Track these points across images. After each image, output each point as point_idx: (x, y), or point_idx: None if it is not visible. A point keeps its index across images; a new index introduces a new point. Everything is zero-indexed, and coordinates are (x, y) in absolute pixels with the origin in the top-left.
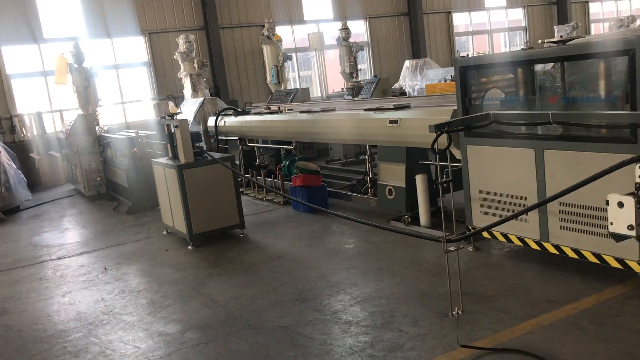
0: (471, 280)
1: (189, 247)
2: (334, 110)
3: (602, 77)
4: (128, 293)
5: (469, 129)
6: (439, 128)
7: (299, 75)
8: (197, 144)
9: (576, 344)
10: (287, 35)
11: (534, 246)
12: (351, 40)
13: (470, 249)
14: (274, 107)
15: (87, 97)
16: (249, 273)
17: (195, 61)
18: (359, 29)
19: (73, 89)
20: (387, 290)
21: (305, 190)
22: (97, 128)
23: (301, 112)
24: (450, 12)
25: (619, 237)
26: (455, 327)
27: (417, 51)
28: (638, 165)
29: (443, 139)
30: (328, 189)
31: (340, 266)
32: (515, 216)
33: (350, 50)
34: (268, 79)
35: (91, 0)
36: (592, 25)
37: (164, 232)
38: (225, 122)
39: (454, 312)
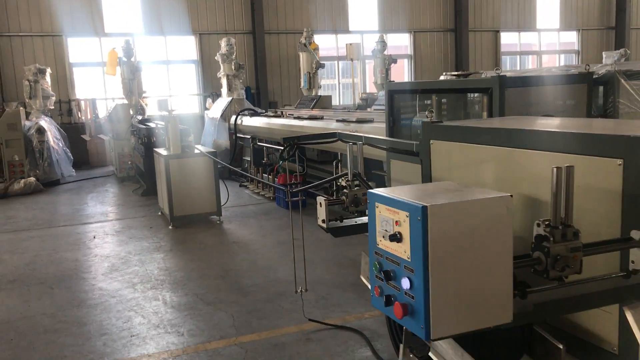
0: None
1: (169, 227)
2: (322, 118)
3: (467, 108)
4: (99, 257)
5: (316, 143)
6: (287, 140)
7: (339, 82)
8: (188, 139)
9: None
10: (332, 43)
11: None
12: (397, 52)
13: None
14: (279, 112)
15: (131, 88)
16: (201, 251)
17: (233, 63)
18: (404, 42)
19: (121, 80)
20: (298, 274)
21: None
22: (132, 117)
23: (294, 117)
24: (498, 31)
25: (327, 229)
26: (306, 304)
27: (460, 67)
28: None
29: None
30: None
31: (276, 255)
32: None
33: (383, 62)
34: (301, 84)
35: (149, 0)
36: None
37: (159, 213)
38: (242, 121)
39: (298, 291)
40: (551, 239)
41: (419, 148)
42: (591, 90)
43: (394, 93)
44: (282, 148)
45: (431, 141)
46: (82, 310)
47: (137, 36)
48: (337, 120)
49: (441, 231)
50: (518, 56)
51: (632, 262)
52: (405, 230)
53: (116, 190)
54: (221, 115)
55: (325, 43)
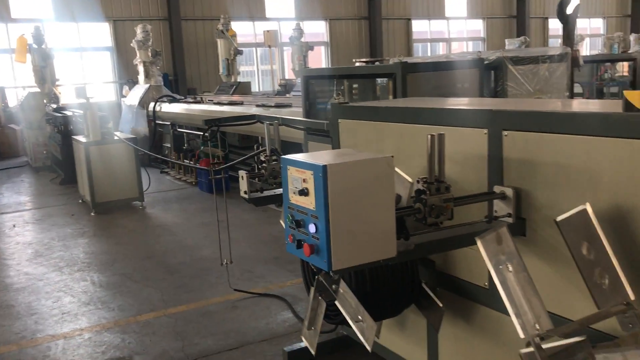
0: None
1: (92, 214)
2: (241, 104)
3: (375, 91)
4: (22, 245)
5: (237, 125)
6: (208, 123)
7: (258, 69)
8: (107, 126)
9: None
10: (249, 30)
11: None
12: (314, 40)
13: None
14: (198, 98)
15: (43, 76)
16: (125, 235)
17: (150, 50)
18: (321, 29)
19: (32, 68)
20: (223, 250)
21: (207, 172)
22: (46, 105)
23: (214, 103)
24: (410, 19)
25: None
26: (232, 277)
27: (374, 54)
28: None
29: None
30: (230, 173)
31: (200, 235)
32: None
33: (301, 49)
34: (220, 70)
35: None
36: (550, 41)
37: (80, 201)
38: (161, 108)
39: (223, 263)
40: (428, 192)
41: (329, 127)
42: (483, 75)
43: (309, 79)
44: (204, 132)
45: (339, 120)
46: (8, 294)
47: (47, 22)
48: (257, 105)
49: (338, 185)
50: (429, 43)
51: (496, 211)
52: (310, 186)
53: (32, 180)
54: (139, 103)
55: (243, 30)
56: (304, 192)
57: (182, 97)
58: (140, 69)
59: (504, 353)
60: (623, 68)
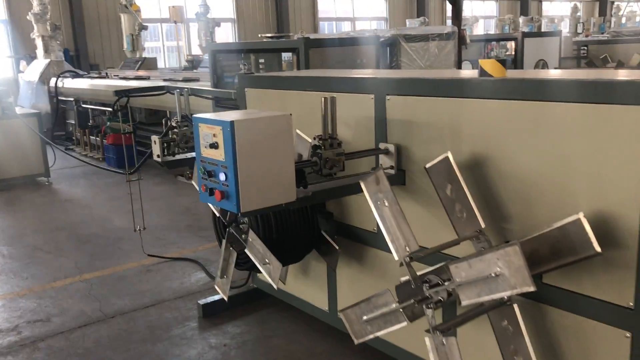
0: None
1: None
2: (148, 79)
3: (281, 66)
4: None
5: (146, 96)
6: (118, 94)
7: (164, 45)
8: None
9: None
10: (154, 5)
11: None
12: (221, 16)
13: None
14: (103, 73)
15: None
16: (33, 210)
17: (48, 23)
18: (228, 6)
19: None
20: (123, 219)
21: (116, 148)
22: None
23: (120, 78)
24: None
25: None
26: (145, 245)
27: (281, 31)
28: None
29: None
30: (139, 148)
31: (111, 208)
32: None
33: (207, 25)
34: (124, 46)
35: None
36: (448, 21)
37: None
38: (64, 84)
39: (136, 229)
40: (322, 147)
41: (237, 96)
42: (379, 51)
43: (217, 53)
44: (114, 102)
45: (246, 89)
46: None
47: None
48: (164, 80)
49: (244, 138)
50: (334, 22)
51: (381, 164)
52: (220, 140)
53: None
54: (39, 78)
55: (147, 4)
56: (214, 146)
57: (86, 73)
58: (39, 43)
59: (390, 286)
60: (512, 47)
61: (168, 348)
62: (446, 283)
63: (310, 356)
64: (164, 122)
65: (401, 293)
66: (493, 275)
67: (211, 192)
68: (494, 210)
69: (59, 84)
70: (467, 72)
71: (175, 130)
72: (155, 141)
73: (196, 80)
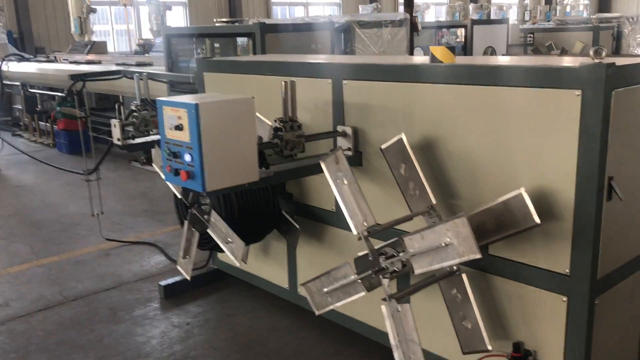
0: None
1: None
2: (100, 63)
3: (236, 50)
4: None
5: (100, 80)
6: (74, 78)
7: (113, 29)
8: None
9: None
10: None
11: None
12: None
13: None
14: (51, 57)
15: None
16: None
17: None
18: None
19: None
20: (78, 205)
21: (67, 133)
22: None
23: (70, 62)
24: None
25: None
26: (102, 230)
27: (233, 15)
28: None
29: None
30: (93, 134)
31: (65, 194)
32: None
33: (158, 8)
34: (72, 29)
35: None
36: (400, 7)
37: None
38: (9, 67)
39: (94, 214)
40: (283, 129)
41: (195, 80)
42: (334, 36)
43: (171, 37)
44: (69, 86)
45: (204, 73)
46: None
47: None
48: (117, 64)
49: (208, 120)
50: (287, 7)
51: (339, 146)
52: (185, 122)
53: None
54: None
55: None
56: (179, 128)
57: (32, 56)
58: None
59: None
60: (462, 34)
61: (131, 328)
62: (401, 254)
63: (271, 331)
64: (117, 106)
65: (359, 265)
66: (443, 245)
67: (176, 172)
68: (444, 188)
69: (4, 68)
70: (419, 59)
71: (135, 114)
72: (115, 125)
73: (150, 64)
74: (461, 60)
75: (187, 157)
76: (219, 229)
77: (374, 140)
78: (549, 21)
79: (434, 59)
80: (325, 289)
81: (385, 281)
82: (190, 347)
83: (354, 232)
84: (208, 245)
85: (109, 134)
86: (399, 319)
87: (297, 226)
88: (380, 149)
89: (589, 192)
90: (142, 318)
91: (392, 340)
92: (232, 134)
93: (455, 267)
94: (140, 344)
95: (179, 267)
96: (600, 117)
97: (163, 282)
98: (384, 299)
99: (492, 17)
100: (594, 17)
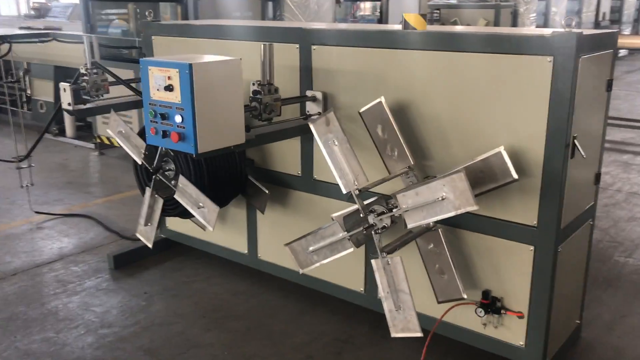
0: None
1: None
2: None
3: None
4: None
5: (27, 42)
6: (2, 39)
7: None
8: None
9: (130, 210)
10: None
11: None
12: None
13: (96, 153)
14: None
15: None
16: None
17: None
18: None
19: None
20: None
21: None
22: None
23: None
24: None
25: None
26: (27, 204)
27: None
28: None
29: None
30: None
31: None
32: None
33: None
34: None
35: None
36: None
37: None
38: None
39: (23, 185)
40: (262, 92)
41: (142, 43)
42: (264, 4)
43: (90, 1)
44: None
45: (153, 37)
46: None
47: None
48: (21, 28)
49: (201, 81)
50: None
51: (308, 111)
52: (176, 82)
53: None
54: None
55: None
56: (169, 88)
57: None
58: None
59: (314, 226)
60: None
61: (87, 299)
62: (394, 210)
63: (234, 295)
64: (22, 75)
65: (348, 223)
66: (439, 199)
67: (164, 134)
68: (417, 150)
69: None
70: (390, 26)
71: (85, 77)
72: (65, 89)
73: (59, 29)
74: (431, 28)
75: (178, 119)
76: (188, 194)
77: (343, 104)
78: None
79: (407, 25)
80: (311, 248)
81: (376, 237)
82: (153, 314)
83: (344, 191)
84: (174, 211)
85: (11, 103)
86: (389, 272)
87: (266, 191)
88: (359, 113)
89: (557, 150)
90: (95, 289)
91: (381, 292)
92: (223, 96)
93: (432, 224)
94: (101, 314)
95: (138, 235)
96: (570, 81)
97: (112, 253)
98: (373, 254)
99: None
100: None
